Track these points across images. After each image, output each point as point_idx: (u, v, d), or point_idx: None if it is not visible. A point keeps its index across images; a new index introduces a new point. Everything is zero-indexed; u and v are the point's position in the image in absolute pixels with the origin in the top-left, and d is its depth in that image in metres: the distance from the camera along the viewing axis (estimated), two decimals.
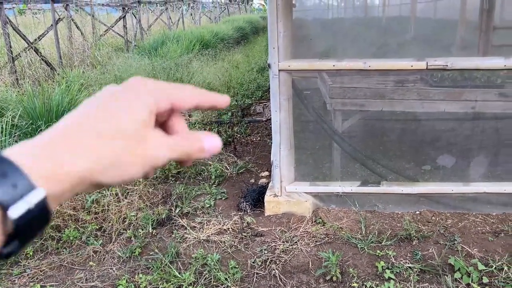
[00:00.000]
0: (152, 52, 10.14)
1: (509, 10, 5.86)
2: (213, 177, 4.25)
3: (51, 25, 9.17)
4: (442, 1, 6.19)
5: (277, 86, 3.31)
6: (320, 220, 3.37)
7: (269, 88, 8.42)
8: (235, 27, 18.53)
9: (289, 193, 3.53)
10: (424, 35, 5.01)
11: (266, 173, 4.37)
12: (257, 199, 3.67)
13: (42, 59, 8.25)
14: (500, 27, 5.57)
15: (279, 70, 3.27)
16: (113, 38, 13.71)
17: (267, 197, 3.54)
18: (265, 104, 7.30)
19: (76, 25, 10.91)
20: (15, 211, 0.33)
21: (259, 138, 5.53)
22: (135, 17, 14.90)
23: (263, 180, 4.14)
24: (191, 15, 23.92)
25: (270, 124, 6.17)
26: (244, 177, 4.36)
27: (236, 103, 6.75)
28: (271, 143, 5.13)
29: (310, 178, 3.59)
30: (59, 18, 9.49)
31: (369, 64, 3.19)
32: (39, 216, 0.35)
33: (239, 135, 5.52)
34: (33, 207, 0.34)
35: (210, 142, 0.48)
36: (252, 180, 4.25)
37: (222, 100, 0.50)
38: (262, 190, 3.77)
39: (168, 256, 3.01)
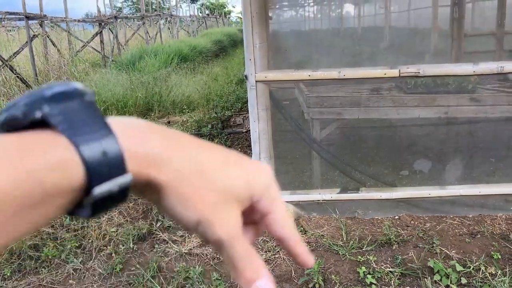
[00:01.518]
0: (130, 67, 10.11)
1: (479, 18, 6.06)
2: None
3: (26, 42, 9.08)
4: (415, 10, 6.36)
5: (254, 97, 3.35)
6: (302, 228, 3.39)
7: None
8: (213, 40, 18.63)
9: None
10: (399, 43, 5.14)
11: None
12: None
13: (17, 77, 8.14)
14: (471, 34, 5.76)
15: (256, 81, 3.30)
16: (89, 54, 13.64)
17: None
18: (245, 116, 7.34)
19: (51, 42, 10.82)
20: (99, 189, 0.32)
21: (239, 149, 5.55)
22: (112, 32, 14.85)
23: None
24: (169, 29, 23.94)
25: (250, 135, 6.22)
26: None
27: (216, 115, 6.76)
28: (252, 154, 5.16)
29: (290, 187, 3.61)
30: (34, 35, 9.40)
31: (343, 73, 3.25)
32: (116, 198, 0.34)
33: None
34: (117, 189, 0.33)
35: (264, 286, 0.39)
36: None
37: (307, 261, 0.43)
38: None
39: (150, 271, 2.98)
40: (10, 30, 17.04)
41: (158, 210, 3.86)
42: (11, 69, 8.13)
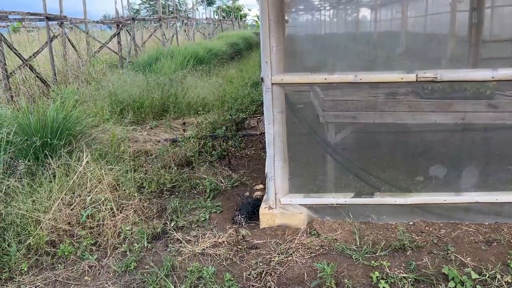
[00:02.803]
0: (146, 68, 10.21)
1: (497, 24, 5.99)
2: (208, 190, 4.26)
3: (46, 42, 9.24)
4: (432, 16, 6.31)
5: (270, 100, 3.36)
6: (315, 231, 3.39)
7: (263, 102, 8.53)
8: (229, 43, 18.72)
9: (284, 205, 3.55)
10: (415, 49, 5.11)
11: (261, 186, 4.39)
12: (252, 212, 3.69)
13: (37, 76, 8.28)
14: (489, 40, 5.69)
15: (272, 84, 3.32)
16: (107, 55, 13.80)
17: (262, 210, 3.56)
18: (259, 118, 7.36)
19: (70, 42, 10.99)
20: None
21: (253, 151, 5.57)
22: (129, 34, 15.03)
23: (258, 193, 4.16)
24: (185, 31, 24.12)
25: (264, 138, 6.22)
26: (239, 190, 4.38)
27: (230, 117, 6.79)
28: (266, 156, 5.17)
29: (304, 190, 3.62)
30: (54, 36, 9.56)
31: (360, 77, 3.25)
32: None
33: (233, 149, 5.55)
34: None
35: None
36: (247, 193, 4.27)
37: None
38: (257, 203, 3.79)
39: (163, 269, 3.01)
40: (30, 31, 17.36)
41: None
42: (31, 68, 8.28)
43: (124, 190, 4.13)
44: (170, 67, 10.35)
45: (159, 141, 6.05)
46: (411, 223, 3.47)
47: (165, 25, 20.22)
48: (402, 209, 3.51)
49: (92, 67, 9.82)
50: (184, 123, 6.40)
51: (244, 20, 54.15)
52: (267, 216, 3.52)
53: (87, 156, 4.07)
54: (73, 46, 11.09)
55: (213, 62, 13.42)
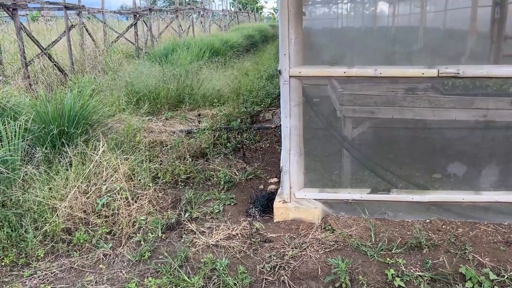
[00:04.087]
0: (163, 59, 10.23)
1: None
2: (222, 182, 4.26)
3: (64, 31, 9.30)
4: (452, 11, 6.17)
5: (287, 92, 3.33)
6: (330, 227, 3.36)
7: (278, 96, 8.49)
8: (245, 35, 18.65)
9: (298, 199, 3.52)
10: (434, 44, 4.99)
11: (275, 179, 4.37)
12: (266, 205, 3.67)
13: (55, 65, 8.35)
14: None
15: (289, 76, 3.28)
16: (123, 45, 13.86)
17: (276, 203, 3.54)
18: (274, 111, 7.33)
19: (88, 32, 11.06)
20: None
21: (268, 144, 5.54)
22: (146, 25, 15.06)
23: (272, 187, 4.14)
24: (201, 23, 24.12)
25: (279, 131, 6.19)
26: (253, 183, 4.37)
27: (245, 110, 6.76)
28: (280, 150, 5.14)
29: (319, 185, 3.58)
30: (72, 25, 9.62)
31: (379, 71, 3.19)
32: None
33: (248, 142, 5.53)
34: None
35: None
36: (261, 186, 4.25)
37: None
38: (271, 196, 3.77)
39: (177, 260, 3.01)
40: (48, 20, 17.52)
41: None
42: (49, 57, 8.36)
43: (139, 180, 4.15)
44: (186, 58, 10.35)
45: (174, 132, 6.06)
46: (427, 221, 3.42)
47: (181, 16, 20.22)
48: (419, 206, 3.46)
49: (109, 57, 9.87)
50: (199, 115, 6.40)
51: (260, 13, 53.90)
52: (281, 210, 3.50)
53: (103, 145, 4.09)
54: (90, 36, 11.15)
55: (228, 54, 13.39)
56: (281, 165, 3.72)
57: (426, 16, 6.06)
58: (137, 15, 13.16)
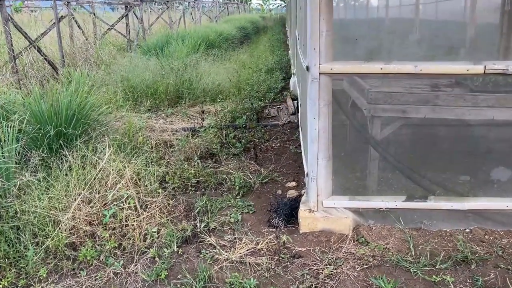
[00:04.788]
0: (157, 51, 9.81)
1: None
2: (237, 188, 3.93)
3: (53, 23, 8.82)
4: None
5: (316, 91, 3.01)
6: (363, 239, 3.06)
7: (281, 90, 8.16)
8: (237, 27, 18.21)
9: (327, 208, 3.22)
10: (478, 38, 4.59)
11: (293, 183, 4.06)
12: (289, 214, 3.36)
13: (45, 59, 7.90)
14: None
15: (319, 73, 2.96)
16: (113, 37, 13.38)
17: (302, 213, 3.23)
18: (279, 107, 7.01)
19: (77, 24, 10.57)
20: None
21: (278, 144, 5.22)
22: (136, 16, 14.55)
23: (292, 192, 3.83)
24: (191, 14, 23.58)
25: (288, 129, 5.88)
26: (270, 187, 4.05)
27: (249, 106, 6.43)
28: (294, 150, 4.84)
29: (349, 192, 3.28)
30: (62, 16, 9.13)
31: (420, 68, 2.89)
32: None
33: (257, 141, 5.20)
34: None
35: None
36: (279, 191, 3.94)
37: None
38: (294, 203, 3.46)
39: (199, 280, 2.69)
40: (33, 11, 16.86)
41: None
42: (39, 50, 7.89)
43: (146, 185, 3.81)
44: (182, 51, 9.95)
45: (176, 131, 5.71)
46: (467, 230, 3.14)
47: (171, 7, 19.69)
48: (457, 214, 3.18)
49: (101, 50, 9.41)
50: (203, 112, 6.05)
51: (249, 4, 53.24)
52: (309, 220, 3.19)
53: (109, 148, 3.73)
54: (80, 28, 10.66)
55: (223, 46, 12.99)
56: (305, 170, 3.41)
57: (474, 8, 5.70)
58: (129, 6, 12.66)
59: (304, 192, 3.82)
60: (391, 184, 3.34)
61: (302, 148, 3.92)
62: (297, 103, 6.95)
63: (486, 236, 3.06)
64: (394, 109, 3.49)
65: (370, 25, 3.56)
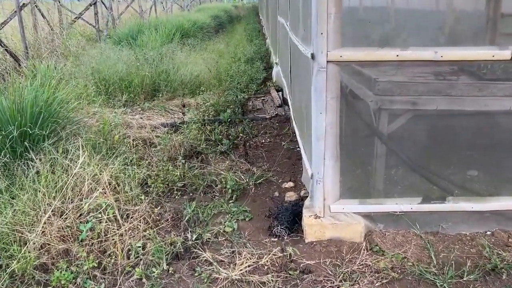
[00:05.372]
0: (130, 42, 9.23)
1: None
2: (229, 191, 3.53)
3: (14, 11, 8.12)
4: None
5: (324, 82, 2.64)
6: (377, 247, 2.73)
7: (263, 81, 7.76)
8: (211, 15, 17.66)
9: (334, 213, 2.87)
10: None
11: (290, 183, 3.70)
12: (292, 220, 3.00)
13: (6, 50, 7.24)
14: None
15: (327, 62, 2.59)
16: (81, 27, 12.66)
17: (307, 219, 2.87)
18: (263, 99, 6.62)
19: (41, 13, 9.85)
20: None
21: (268, 139, 4.84)
22: (105, 5, 13.81)
23: (290, 194, 3.46)
24: (162, 3, 22.80)
25: (276, 122, 5.50)
26: (265, 189, 3.68)
27: (233, 99, 6.02)
28: (287, 146, 4.45)
29: (359, 195, 2.94)
30: (24, 4, 8.43)
31: (441, 54, 2.56)
32: None
33: (245, 137, 4.81)
34: None
35: None
36: (276, 193, 3.57)
37: None
38: (297, 208, 3.09)
39: None
40: None
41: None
42: None
43: (126, 191, 3.37)
44: (156, 40, 9.40)
45: (156, 127, 5.25)
46: (488, 233, 2.86)
47: None
48: (477, 216, 2.89)
49: (69, 40, 8.77)
50: (184, 106, 5.59)
51: None
52: (315, 228, 2.84)
53: (82, 150, 3.27)
54: (44, 17, 9.94)
55: (199, 36, 12.46)
56: (309, 171, 3.05)
57: None
58: None
59: (304, 193, 3.46)
60: (404, 185, 3.01)
61: (301, 146, 3.56)
62: (282, 94, 6.59)
63: (510, 240, 2.78)
64: (404, 100, 3.15)
65: (378, 9, 3.18)
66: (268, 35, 12.26)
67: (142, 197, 3.32)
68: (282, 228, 2.91)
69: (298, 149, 4.42)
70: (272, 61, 9.24)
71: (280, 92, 6.77)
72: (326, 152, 2.77)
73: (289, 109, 5.49)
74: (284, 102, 6.18)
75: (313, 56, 2.66)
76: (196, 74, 7.40)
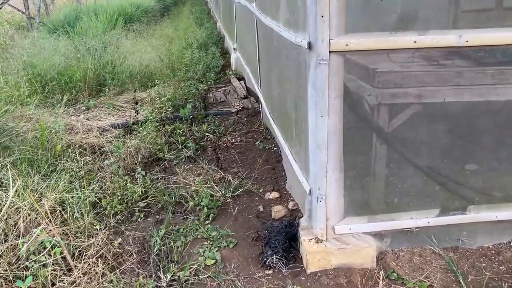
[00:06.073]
0: (67, 29, 8.24)
1: None
2: (204, 209, 2.94)
3: None
4: None
5: (325, 78, 2.10)
6: (395, 274, 2.27)
7: (222, 69, 7.11)
8: None
9: (340, 235, 2.38)
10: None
11: (275, 194, 3.16)
12: (287, 246, 2.48)
13: None
14: None
15: (330, 52, 2.05)
16: (9, 14, 11.36)
17: (307, 245, 2.36)
18: (225, 90, 6.00)
19: None
20: None
21: (239, 138, 4.27)
22: None
23: (278, 209, 2.93)
24: None
25: (244, 117, 4.90)
26: (245, 202, 3.12)
27: (196, 91, 5.37)
28: (262, 146, 3.88)
29: (365, 211, 2.45)
30: None
31: (465, 38, 2.11)
32: None
33: (212, 137, 4.21)
34: None
35: None
36: (260, 208, 3.02)
37: None
38: (290, 230, 2.57)
39: None
40: None
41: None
42: None
43: (77, 218, 2.72)
44: (97, 27, 8.46)
45: (105, 129, 4.52)
46: (511, 244, 2.48)
47: None
48: (500, 225, 2.50)
49: None
50: (136, 102, 4.88)
51: None
52: (319, 256, 2.33)
53: (16, 169, 2.56)
54: None
55: (144, 20, 11.50)
56: (306, 187, 2.52)
57: None
58: None
59: (293, 206, 2.96)
60: (418, 195, 2.55)
61: (287, 150, 3.02)
62: (245, 83, 6.01)
63: None
64: (406, 93, 2.68)
65: None
66: (218, 17, 11.56)
67: (98, 226, 2.67)
68: (277, 258, 2.38)
69: (275, 149, 3.89)
70: (227, 47, 8.60)
71: (242, 81, 6.18)
72: (329, 163, 2.25)
73: (258, 101, 4.93)
74: (249, 92, 5.61)
75: (310, 46, 2.12)
76: (146, 64, 6.64)
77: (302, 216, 2.82)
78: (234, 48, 7.06)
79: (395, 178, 2.45)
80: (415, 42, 2.08)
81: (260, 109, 4.56)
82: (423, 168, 2.48)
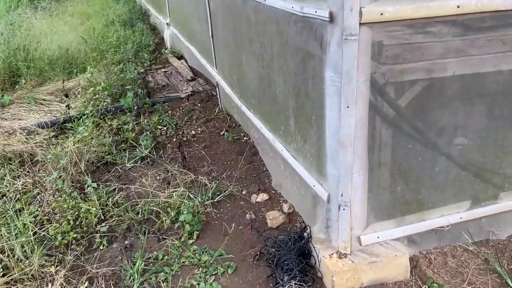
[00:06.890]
0: None
1: None
2: (186, 226, 2.39)
3: None
4: None
5: (354, 58, 1.64)
6: (435, 284, 1.93)
7: (156, 48, 6.33)
8: None
9: (366, 246, 1.98)
10: None
11: (263, 195, 2.69)
12: (302, 267, 2.04)
13: None
14: None
15: (360, 25, 1.58)
16: None
17: (331, 264, 1.94)
18: (165, 71, 5.31)
19: None
20: None
21: (199, 129, 3.69)
22: None
23: (273, 215, 2.47)
24: None
25: (198, 103, 4.28)
26: (230, 210, 2.61)
27: (137, 77, 4.65)
28: (231, 137, 3.32)
29: (392, 213, 2.07)
30: None
31: None
32: None
33: (166, 129, 3.60)
34: None
35: None
36: (252, 215, 2.53)
37: None
38: (301, 245, 2.13)
39: None
40: None
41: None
42: None
43: (20, 259, 2.06)
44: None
45: (30, 130, 3.71)
46: None
47: None
48: None
49: None
50: (66, 95, 4.07)
51: None
52: (347, 275, 1.92)
53: None
54: None
55: None
56: (321, 192, 2.07)
57: None
58: None
59: (289, 209, 2.52)
60: (447, 188, 2.20)
61: (279, 147, 2.52)
62: (187, 63, 5.36)
63: None
64: (416, 68, 2.30)
65: None
66: None
67: (52, 269, 2.04)
68: (297, 284, 1.93)
69: (245, 139, 3.39)
70: (155, 22, 7.78)
71: (183, 60, 5.52)
72: (355, 163, 1.82)
73: (208, 83, 4.36)
74: (194, 73, 5.00)
75: (331, 17, 1.63)
76: (66, 47, 5.71)
77: (302, 221, 2.40)
78: (167, 23, 6.31)
79: (424, 172, 2.08)
80: (458, 7, 1.68)
81: (218, 93, 4.00)
82: (455, 156, 2.14)
